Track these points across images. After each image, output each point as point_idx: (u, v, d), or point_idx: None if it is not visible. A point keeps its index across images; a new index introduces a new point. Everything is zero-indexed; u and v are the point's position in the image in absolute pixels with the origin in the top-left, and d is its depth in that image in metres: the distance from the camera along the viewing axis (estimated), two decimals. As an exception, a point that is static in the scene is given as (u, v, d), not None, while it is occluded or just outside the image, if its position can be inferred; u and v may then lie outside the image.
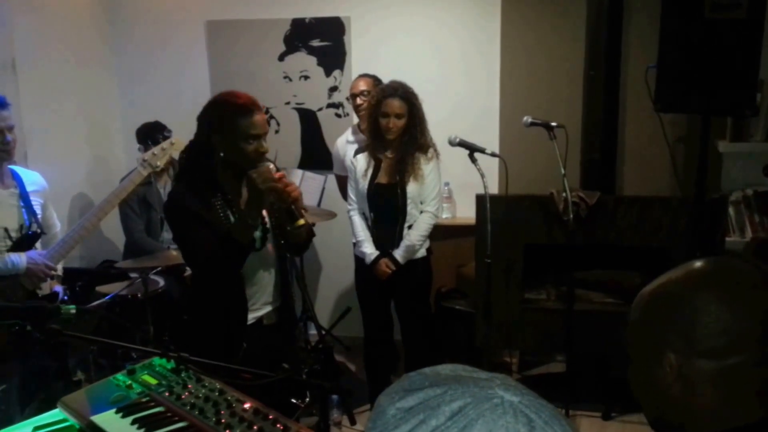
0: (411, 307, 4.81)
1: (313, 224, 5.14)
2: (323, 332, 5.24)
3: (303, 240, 3.38)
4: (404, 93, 4.48)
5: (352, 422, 4.87)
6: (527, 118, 4.46)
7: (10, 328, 2.31)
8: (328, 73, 6.01)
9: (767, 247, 4.18)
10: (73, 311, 2.27)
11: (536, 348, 5.53)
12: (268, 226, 3.29)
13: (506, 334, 5.00)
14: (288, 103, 6.12)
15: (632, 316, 1.45)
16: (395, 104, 4.45)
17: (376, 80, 5.11)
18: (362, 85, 5.14)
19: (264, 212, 3.26)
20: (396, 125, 4.46)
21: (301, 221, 3.11)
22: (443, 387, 0.87)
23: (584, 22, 5.28)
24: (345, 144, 5.30)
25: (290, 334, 3.66)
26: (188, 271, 4.92)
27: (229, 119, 3.10)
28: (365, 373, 5.10)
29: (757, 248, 4.17)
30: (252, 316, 3.28)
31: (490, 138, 5.43)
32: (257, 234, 3.21)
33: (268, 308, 3.35)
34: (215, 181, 3.18)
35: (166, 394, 2.25)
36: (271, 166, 3.15)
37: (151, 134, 5.13)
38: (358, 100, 5.12)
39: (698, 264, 1.39)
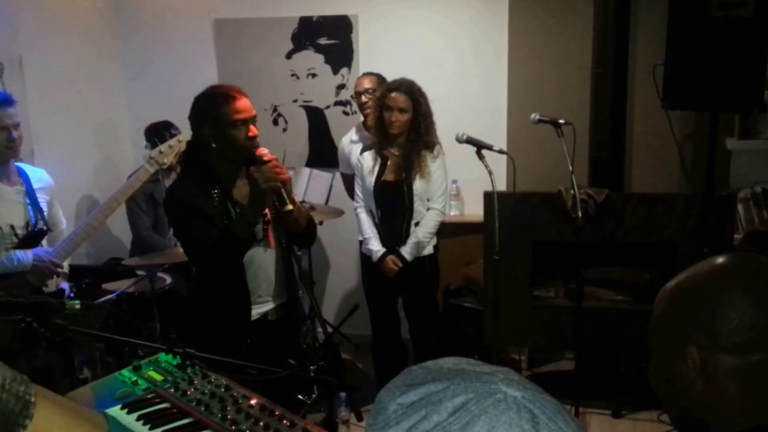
0: (418, 305, 4.81)
1: (320, 222, 5.18)
2: (330, 330, 5.23)
3: (303, 228, 3.36)
4: (408, 88, 4.47)
5: (359, 419, 4.85)
6: (535, 116, 4.44)
7: (16, 324, 2.31)
8: (335, 71, 6.00)
9: (758, 236, 4.16)
10: (78, 306, 2.26)
11: (545, 345, 5.51)
12: (267, 217, 3.29)
13: (515, 332, 4.99)
14: (295, 101, 6.12)
15: (655, 311, 1.41)
16: (399, 98, 4.44)
17: (380, 78, 5.11)
18: (366, 83, 5.13)
19: None
20: (399, 119, 4.45)
21: (289, 206, 3.09)
22: (445, 382, 0.86)
23: (591, 20, 5.26)
24: (349, 143, 5.31)
25: (295, 332, 3.65)
26: (195, 268, 4.92)
27: (213, 109, 3.14)
28: (374, 371, 5.10)
29: (747, 237, 4.15)
30: (256, 312, 3.29)
31: (497, 135, 5.41)
32: (258, 227, 3.22)
33: (272, 304, 3.35)
34: (213, 174, 3.20)
35: (172, 390, 2.24)
36: (265, 150, 3.15)
37: (158, 132, 5.12)
38: (363, 98, 5.12)
39: (723, 259, 1.37)
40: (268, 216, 3.30)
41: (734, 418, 1.31)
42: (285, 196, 3.09)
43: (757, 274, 1.33)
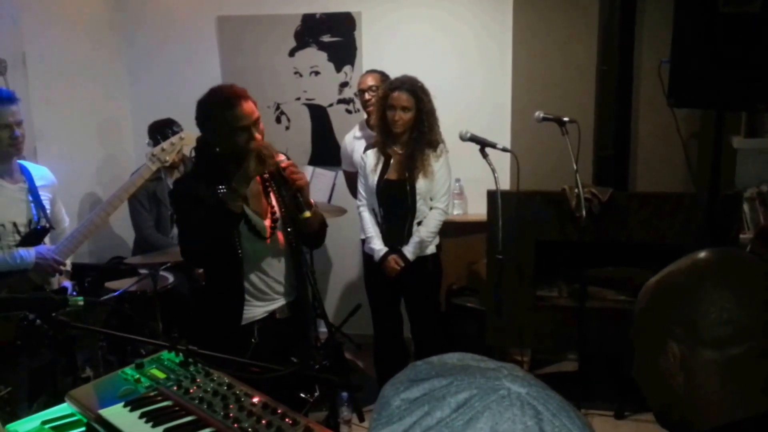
0: (421, 304, 4.80)
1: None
2: (333, 329, 5.21)
3: (315, 230, 3.36)
4: (411, 86, 4.46)
5: (361, 419, 4.83)
6: (539, 113, 4.43)
7: (19, 322, 2.30)
8: (338, 69, 5.99)
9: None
10: (81, 302, 2.25)
11: (548, 346, 5.50)
12: (277, 215, 3.28)
13: (518, 332, 4.97)
14: (298, 99, 6.11)
15: (638, 307, 1.43)
16: (401, 97, 4.43)
17: (383, 76, 5.09)
18: (370, 81, 5.12)
19: (273, 201, 3.27)
20: (402, 118, 4.44)
21: (307, 213, 3.09)
22: (449, 378, 0.85)
23: (597, 16, 5.25)
24: (352, 140, 5.29)
25: (305, 330, 3.64)
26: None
27: (215, 115, 3.13)
28: (375, 371, 5.09)
29: (758, 234, 4.13)
30: (264, 310, 3.29)
31: (501, 133, 5.39)
32: (264, 224, 3.21)
33: (281, 301, 3.35)
34: (221, 171, 3.19)
35: (175, 388, 2.24)
36: (282, 156, 3.16)
37: (161, 130, 5.12)
38: (366, 96, 5.11)
39: (703, 254, 1.38)
40: (278, 214, 3.29)
41: (715, 413, 1.32)
42: (302, 202, 3.09)
43: (735, 268, 1.34)
